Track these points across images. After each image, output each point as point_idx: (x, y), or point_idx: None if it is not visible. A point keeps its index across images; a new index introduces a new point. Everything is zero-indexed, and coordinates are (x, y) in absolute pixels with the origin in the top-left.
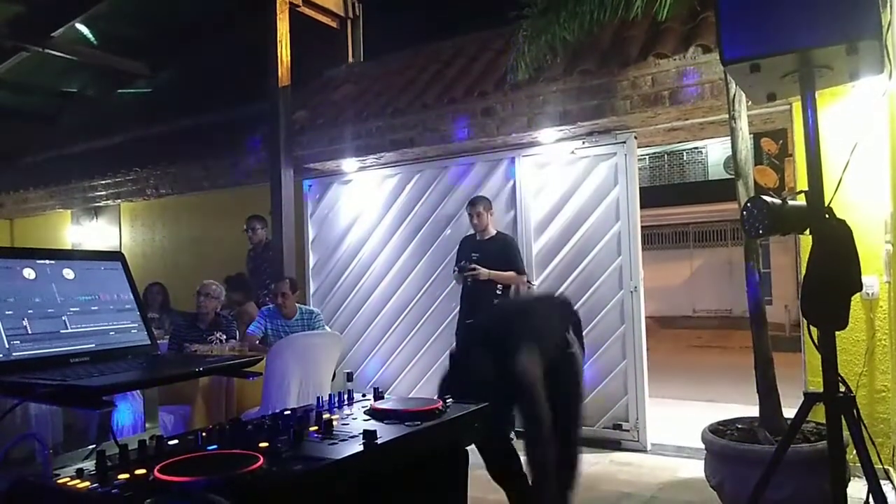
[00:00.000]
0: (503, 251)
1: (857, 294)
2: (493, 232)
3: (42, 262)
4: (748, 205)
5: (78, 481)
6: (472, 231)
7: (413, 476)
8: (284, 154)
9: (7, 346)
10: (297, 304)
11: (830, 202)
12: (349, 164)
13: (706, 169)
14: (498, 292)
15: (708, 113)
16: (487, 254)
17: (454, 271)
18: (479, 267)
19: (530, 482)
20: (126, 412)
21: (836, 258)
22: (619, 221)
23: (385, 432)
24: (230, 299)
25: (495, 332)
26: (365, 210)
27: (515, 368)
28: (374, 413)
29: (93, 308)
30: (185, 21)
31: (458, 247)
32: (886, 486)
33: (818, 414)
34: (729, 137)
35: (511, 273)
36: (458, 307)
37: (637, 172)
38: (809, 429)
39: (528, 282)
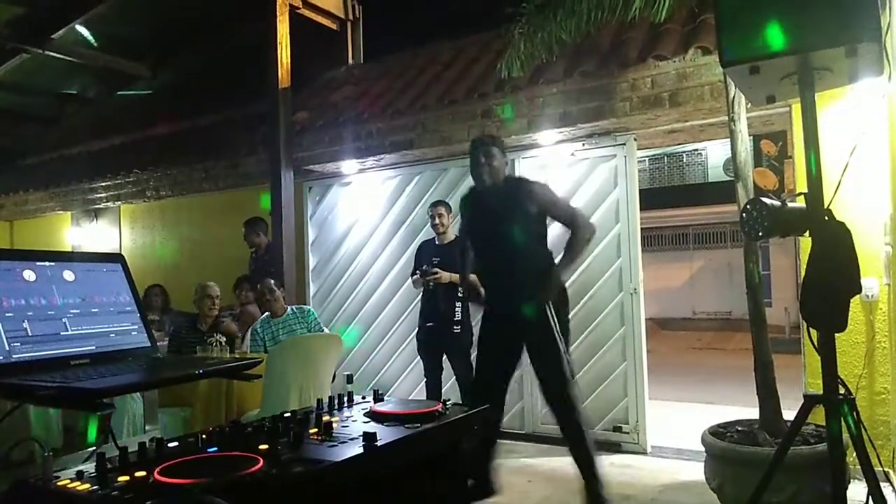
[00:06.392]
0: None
1: (857, 296)
2: (451, 236)
3: (42, 263)
4: (748, 207)
5: (78, 483)
6: (431, 236)
7: (413, 478)
8: (284, 156)
9: (7, 347)
10: (285, 305)
11: (830, 204)
12: (349, 165)
13: (706, 171)
14: (459, 294)
15: (707, 115)
16: (448, 258)
17: (412, 276)
18: (440, 271)
19: None
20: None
21: (835, 260)
22: (619, 223)
23: (385, 434)
24: (246, 298)
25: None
26: (365, 212)
27: None
28: (373, 415)
29: (93, 310)
30: (185, 23)
31: (416, 252)
32: (886, 489)
33: (818, 416)
34: (728, 139)
35: (474, 276)
36: (420, 311)
37: (637, 174)
38: (809, 431)
39: None
